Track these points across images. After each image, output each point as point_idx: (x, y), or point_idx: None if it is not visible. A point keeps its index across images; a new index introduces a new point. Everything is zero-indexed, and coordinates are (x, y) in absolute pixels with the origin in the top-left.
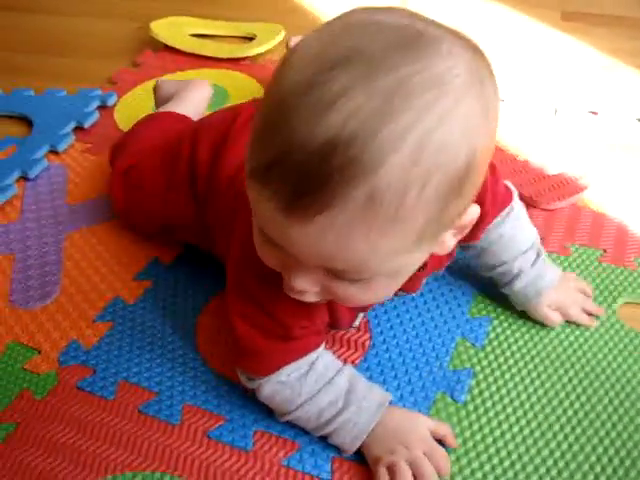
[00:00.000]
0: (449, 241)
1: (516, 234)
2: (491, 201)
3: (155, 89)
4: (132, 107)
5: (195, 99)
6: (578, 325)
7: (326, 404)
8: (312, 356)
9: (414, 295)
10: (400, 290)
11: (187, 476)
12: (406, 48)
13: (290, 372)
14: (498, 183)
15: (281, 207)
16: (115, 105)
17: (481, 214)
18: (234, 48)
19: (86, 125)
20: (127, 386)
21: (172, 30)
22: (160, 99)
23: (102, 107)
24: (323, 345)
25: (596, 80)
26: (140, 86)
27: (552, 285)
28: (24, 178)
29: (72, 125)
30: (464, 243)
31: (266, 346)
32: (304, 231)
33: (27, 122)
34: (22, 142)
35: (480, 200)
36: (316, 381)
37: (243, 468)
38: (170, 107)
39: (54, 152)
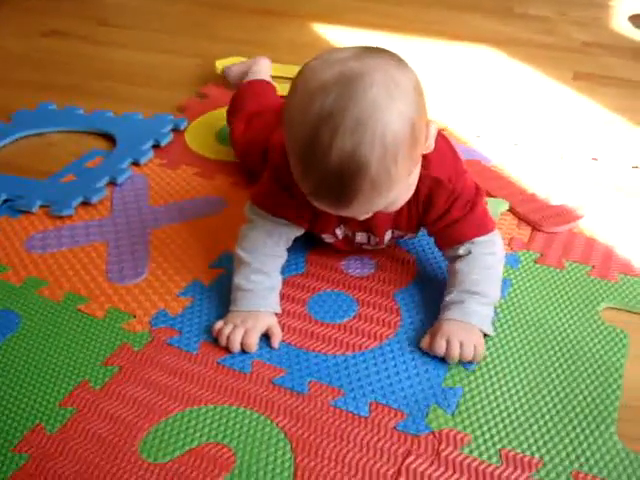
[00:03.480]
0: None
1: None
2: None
3: (226, 75)
4: (200, 131)
5: (264, 69)
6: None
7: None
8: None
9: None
10: (370, 238)
11: (256, 409)
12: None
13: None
14: (477, 209)
15: (329, 207)
16: (185, 129)
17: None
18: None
19: (162, 144)
20: (207, 345)
21: None
22: (234, 80)
23: (174, 130)
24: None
25: (598, 132)
26: (206, 114)
27: (455, 318)
28: (112, 183)
29: (150, 143)
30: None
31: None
32: (345, 211)
33: (108, 138)
34: (108, 154)
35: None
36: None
37: (300, 406)
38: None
39: (136, 164)
